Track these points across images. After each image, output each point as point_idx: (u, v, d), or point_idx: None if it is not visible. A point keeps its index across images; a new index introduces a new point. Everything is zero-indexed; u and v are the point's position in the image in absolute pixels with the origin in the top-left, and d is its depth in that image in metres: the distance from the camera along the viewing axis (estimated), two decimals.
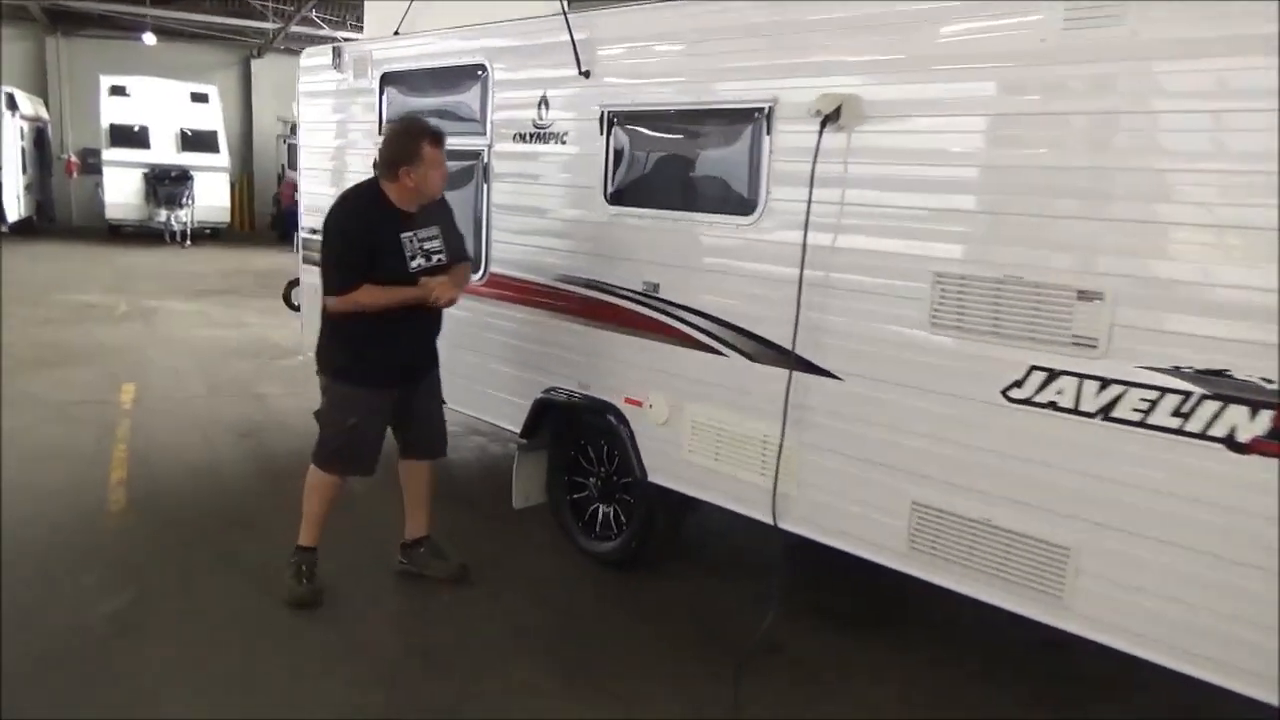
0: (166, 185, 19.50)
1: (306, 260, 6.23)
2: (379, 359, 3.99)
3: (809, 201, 3.31)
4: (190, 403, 7.39)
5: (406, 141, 3.79)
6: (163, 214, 19.52)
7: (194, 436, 6.47)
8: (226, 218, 20.99)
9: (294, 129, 22.21)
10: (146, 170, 19.50)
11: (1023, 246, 2.86)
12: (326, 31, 20.84)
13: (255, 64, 24.70)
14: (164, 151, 19.80)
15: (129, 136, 19.55)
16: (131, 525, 4.91)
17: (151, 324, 10.74)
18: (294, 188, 21.76)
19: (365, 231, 3.84)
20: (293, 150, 22.00)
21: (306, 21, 20.01)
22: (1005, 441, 2.97)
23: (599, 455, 4.51)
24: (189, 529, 4.87)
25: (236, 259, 17.96)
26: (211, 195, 20.24)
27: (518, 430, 4.72)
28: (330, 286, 3.82)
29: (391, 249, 3.91)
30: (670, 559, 4.57)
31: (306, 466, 4.13)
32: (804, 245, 3.35)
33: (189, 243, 19.60)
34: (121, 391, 7.58)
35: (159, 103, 20.00)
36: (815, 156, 3.28)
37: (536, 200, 4.51)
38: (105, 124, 19.62)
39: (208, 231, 20.58)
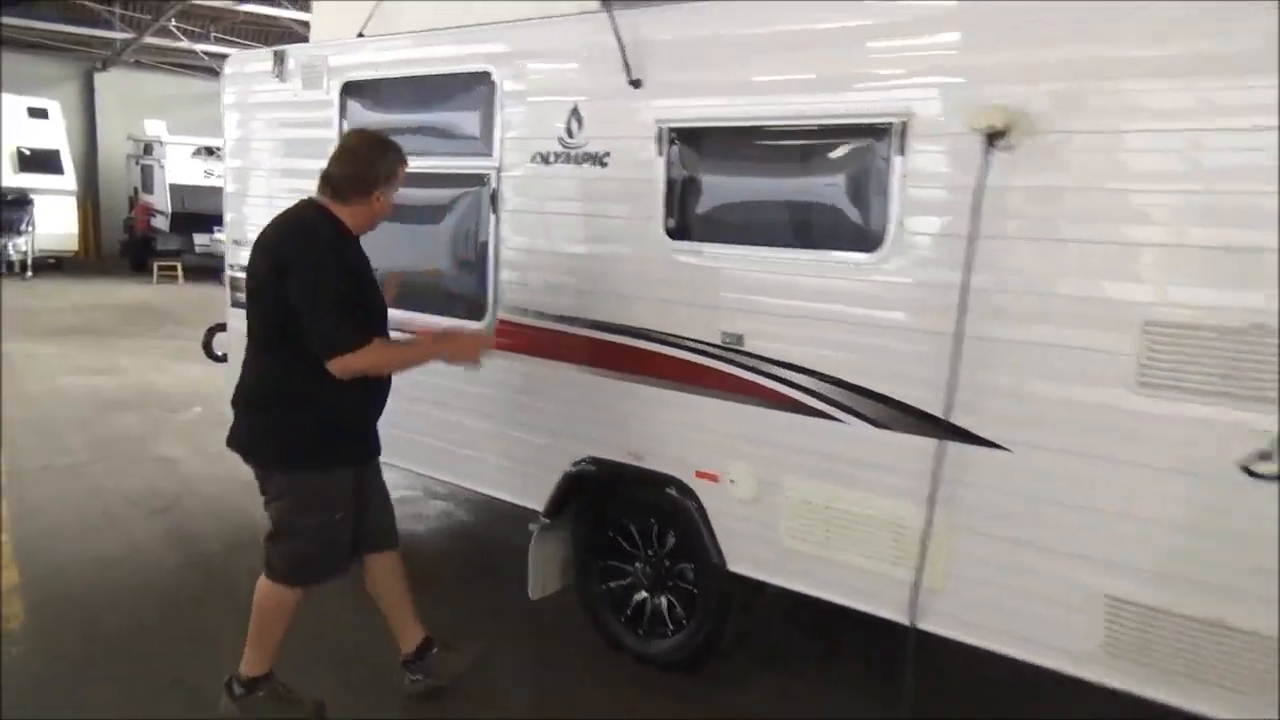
0: (2, 211, 17.36)
1: (235, 304, 5.23)
2: (353, 430, 3.24)
3: (971, 236, 2.72)
4: (78, 471, 6.18)
5: (386, 157, 3.16)
6: None
7: (93, 516, 5.34)
8: (74, 245, 18.96)
9: (148, 148, 20.42)
10: None
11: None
12: (185, 44, 19.19)
13: (100, 77, 22.57)
14: None
15: None
16: (42, 647, 3.84)
17: (4, 372, 9.23)
18: (148, 212, 20.13)
19: (350, 269, 3.09)
20: (147, 172, 20.21)
21: (163, 32, 18.30)
22: (1246, 524, 2.45)
23: (648, 537, 3.78)
24: (118, 647, 3.85)
25: (90, 292, 16.13)
26: (55, 221, 18.20)
27: (538, 507, 3.95)
28: (338, 342, 2.97)
29: (372, 288, 3.22)
30: (737, 655, 3.88)
31: (239, 548, 3.32)
32: (964, 288, 2.76)
33: (30, 274, 17.51)
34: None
35: None
36: (981, 181, 2.70)
37: (565, 234, 3.76)
38: None
39: (51, 261, 18.51)
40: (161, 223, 19.30)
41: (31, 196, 17.61)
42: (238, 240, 5.21)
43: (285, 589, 3.22)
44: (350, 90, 4.49)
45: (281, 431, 3.10)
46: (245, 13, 18.25)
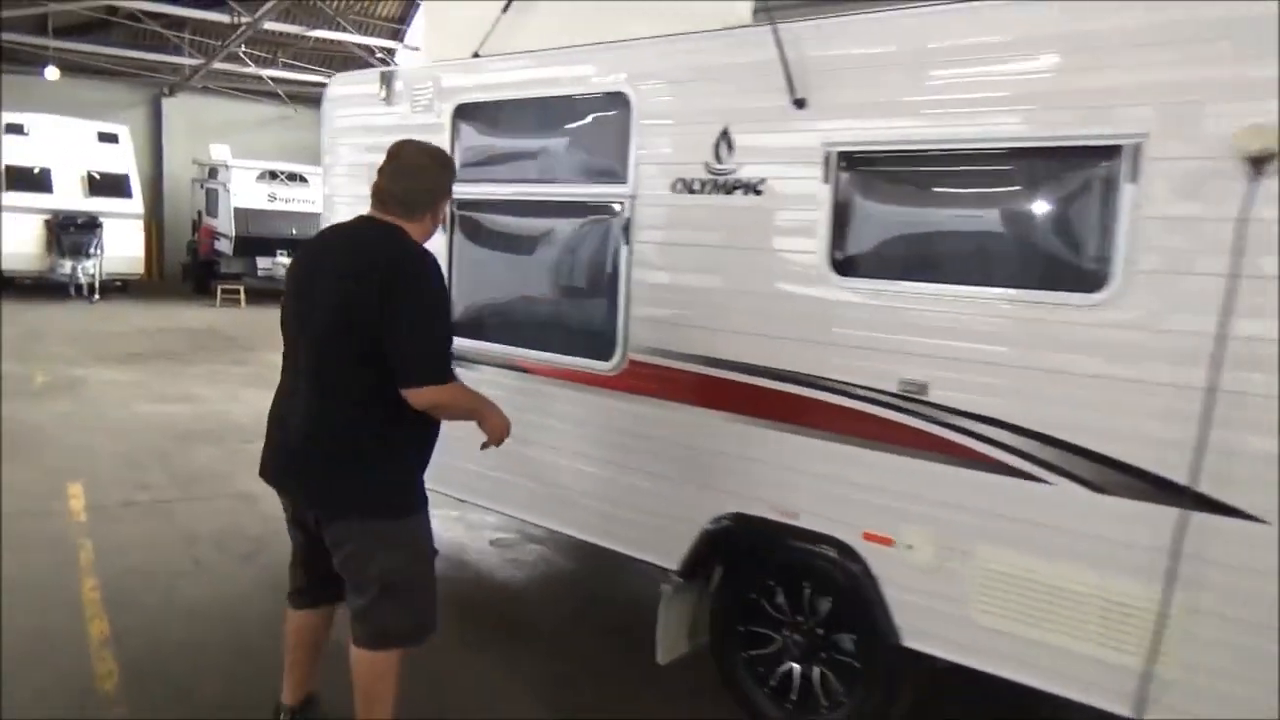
0: (71, 233, 17.57)
1: None
2: (426, 465, 3.03)
3: (1232, 275, 2.35)
4: (160, 508, 5.96)
5: (448, 170, 2.98)
6: (67, 265, 17.56)
7: (180, 559, 5.09)
8: (140, 268, 19.12)
9: (213, 172, 20.61)
10: (48, 216, 17.53)
11: None
12: (253, 70, 19.37)
13: (167, 102, 22.94)
14: (68, 196, 17.87)
15: (27, 179, 17.55)
16: (138, 712, 3.57)
17: (81, 399, 9.12)
18: (212, 235, 20.27)
19: None
20: (211, 195, 20.39)
21: (231, 58, 18.48)
22: None
23: (798, 602, 3.42)
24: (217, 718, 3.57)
25: (157, 315, 16.19)
26: (122, 244, 18.36)
27: (668, 565, 3.61)
28: (437, 372, 2.75)
29: None
30: None
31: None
32: (1221, 336, 2.38)
33: (97, 296, 17.67)
34: (69, 495, 6.10)
35: (62, 143, 18.07)
36: (1245, 213, 2.32)
37: (709, 267, 3.44)
38: None
39: (117, 284, 18.68)
40: (225, 246, 19.42)
41: (100, 220, 17.78)
42: None
43: (394, 653, 2.90)
44: (464, 113, 4.23)
45: (382, 477, 2.79)
46: (315, 39, 18.39)
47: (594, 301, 3.85)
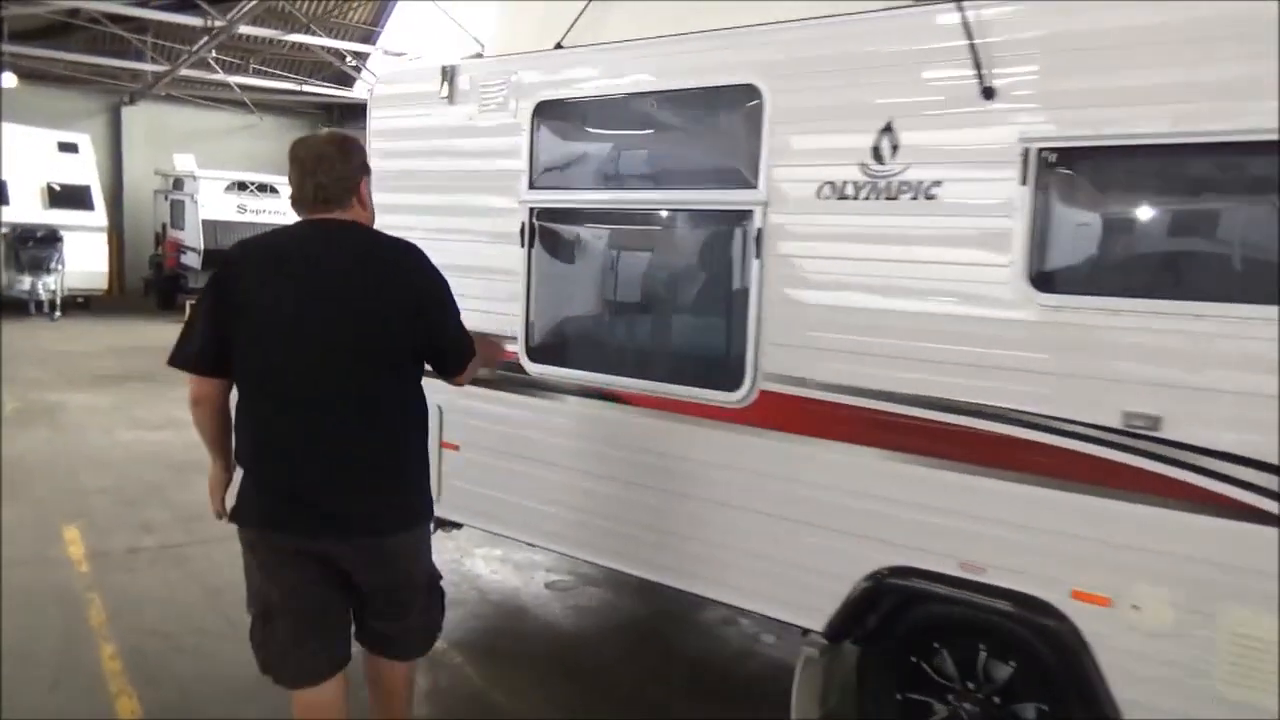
0: (31, 248, 16.67)
1: None
2: None
3: None
4: (170, 554, 5.36)
5: (357, 152, 2.73)
6: (26, 281, 16.65)
7: (205, 615, 4.52)
8: (103, 284, 18.23)
9: (178, 183, 19.76)
10: (6, 230, 16.62)
11: None
12: (221, 76, 18.61)
13: (127, 111, 22.04)
14: (27, 208, 16.96)
15: None
16: None
17: (60, 426, 8.44)
18: (178, 248, 19.42)
19: None
20: (177, 207, 19.53)
21: (200, 64, 17.70)
22: None
23: (973, 667, 2.98)
24: None
25: (124, 333, 15.40)
26: (85, 258, 17.46)
27: (814, 626, 3.16)
28: (471, 343, 2.86)
29: None
30: None
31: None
32: None
33: (58, 314, 16.77)
34: (66, 540, 5.48)
35: (20, 153, 17.13)
36: None
37: (866, 284, 2.99)
38: None
39: (79, 300, 17.77)
40: (193, 260, 18.62)
41: (61, 234, 16.90)
42: None
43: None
44: (546, 112, 3.75)
45: (423, 482, 2.76)
46: (285, 44, 17.71)
47: (713, 323, 3.40)
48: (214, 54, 16.88)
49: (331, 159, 2.61)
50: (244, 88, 20.22)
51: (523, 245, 3.82)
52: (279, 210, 19.07)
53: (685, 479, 3.44)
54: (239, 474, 2.67)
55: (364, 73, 20.68)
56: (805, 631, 3.24)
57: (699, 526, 3.42)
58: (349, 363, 2.51)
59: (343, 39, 18.64)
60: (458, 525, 4.48)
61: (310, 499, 2.51)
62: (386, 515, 2.61)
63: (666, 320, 3.58)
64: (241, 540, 2.63)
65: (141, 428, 8.51)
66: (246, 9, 13.53)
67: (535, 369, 3.83)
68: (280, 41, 16.91)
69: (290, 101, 22.86)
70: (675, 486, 3.47)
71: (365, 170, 2.71)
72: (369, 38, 20.08)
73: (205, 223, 18.19)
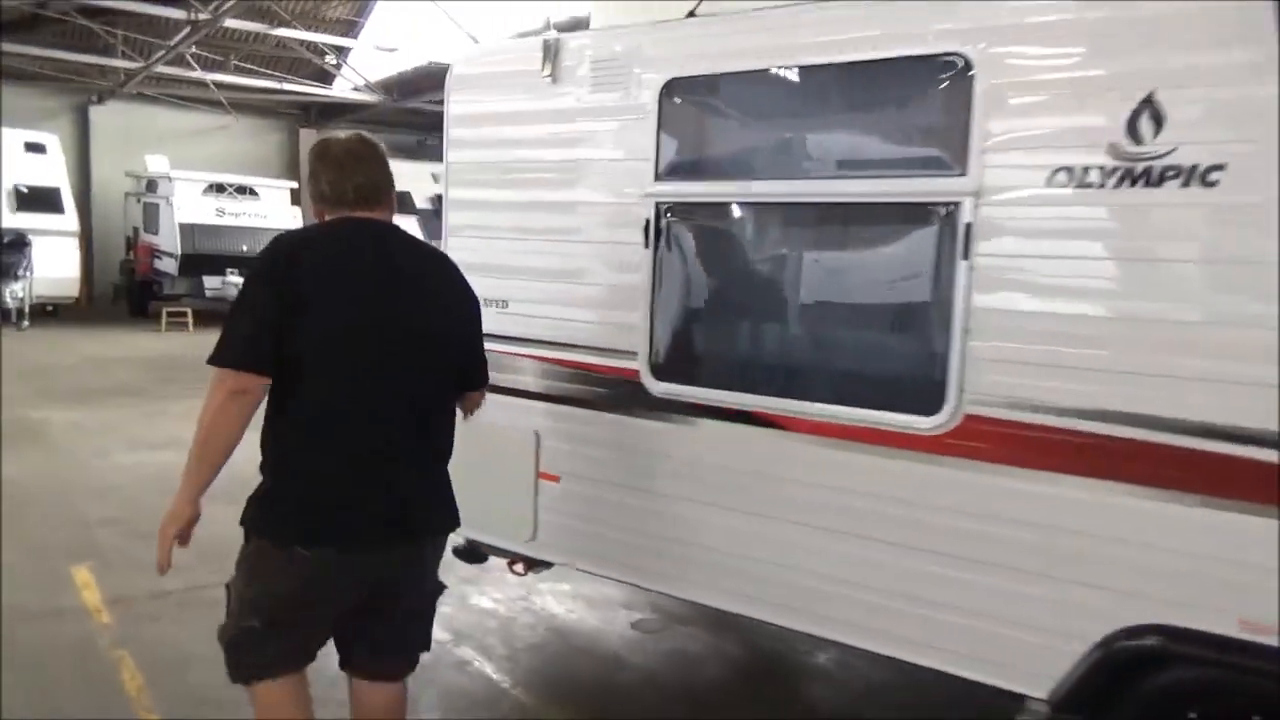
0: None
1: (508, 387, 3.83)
2: None
3: None
4: (199, 598, 4.70)
5: (385, 154, 2.62)
6: None
7: None
8: (74, 290, 17.42)
9: (151, 185, 18.90)
10: None
11: None
12: (198, 74, 17.80)
13: (95, 111, 21.12)
14: None
15: None
16: None
17: (49, 448, 7.73)
18: (151, 253, 18.57)
19: None
20: (151, 210, 18.68)
21: (176, 61, 16.90)
22: None
23: None
24: None
25: (101, 343, 14.60)
26: (54, 264, 16.61)
27: (1037, 693, 2.65)
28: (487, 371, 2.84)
29: None
30: None
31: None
32: None
33: (26, 323, 15.89)
34: (78, 584, 4.84)
35: None
36: None
37: (1118, 289, 2.49)
38: None
39: (48, 309, 16.90)
40: (168, 265, 17.84)
41: (29, 238, 16.01)
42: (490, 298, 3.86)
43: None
44: (677, 91, 3.21)
45: (452, 491, 2.69)
46: (264, 40, 17.00)
47: (900, 335, 2.89)
48: (192, 49, 16.08)
49: (369, 160, 2.54)
50: (220, 86, 19.44)
51: (646, 245, 3.28)
52: (260, 214, 18.38)
53: (859, 518, 2.92)
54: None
55: (344, 69, 20.00)
56: (1016, 697, 2.74)
57: (875, 573, 2.90)
58: (421, 367, 2.46)
59: (324, 33, 17.94)
60: (546, 564, 3.94)
61: (379, 512, 2.42)
62: (436, 522, 2.60)
63: (837, 332, 3.07)
64: (276, 558, 2.38)
65: (141, 448, 7.83)
66: (231, 3, 12.81)
67: (660, 387, 3.30)
68: (261, 37, 16.23)
69: (266, 101, 22.07)
70: (846, 526, 2.95)
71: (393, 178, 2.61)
72: (350, 31, 19.39)
73: (182, 226, 17.45)
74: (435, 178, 21.99)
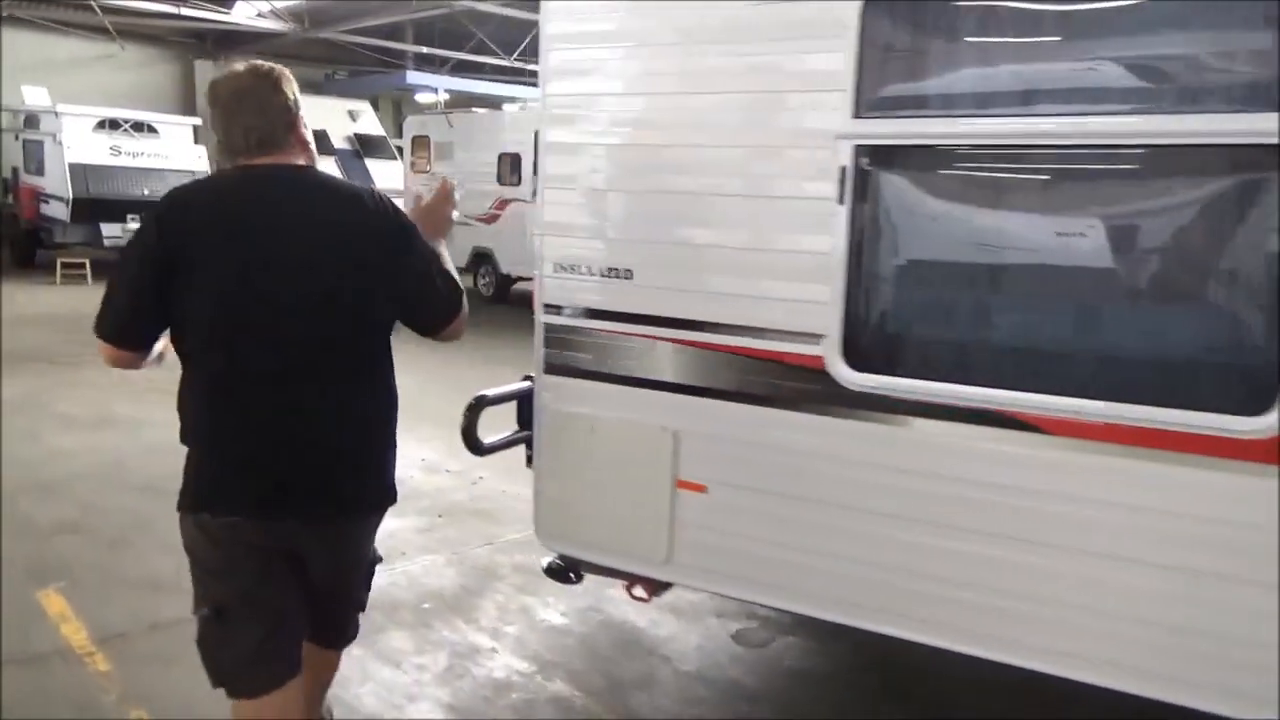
0: None
1: (556, 364, 3.17)
2: None
3: None
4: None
5: (286, 82, 2.35)
6: None
7: None
8: None
9: (31, 120, 16.93)
10: None
11: None
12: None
13: None
14: None
15: None
16: None
17: None
18: (36, 197, 16.72)
19: None
20: (33, 149, 16.76)
21: None
22: None
23: None
24: None
25: None
26: None
27: None
28: (449, 304, 2.44)
29: None
30: None
31: None
32: None
33: None
34: (51, 616, 3.95)
35: None
36: None
37: None
38: None
39: None
40: (58, 210, 16.09)
41: None
42: (560, 259, 3.13)
43: None
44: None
45: (387, 465, 2.48)
46: None
47: (1212, 316, 2.31)
48: None
49: (259, 95, 2.31)
50: (105, 9, 17.50)
51: (841, 200, 2.60)
52: (160, 153, 16.79)
53: (1154, 542, 2.37)
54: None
55: None
56: None
57: (1177, 610, 2.37)
58: (322, 326, 2.28)
59: None
60: (665, 585, 3.31)
61: (283, 478, 2.29)
62: (361, 496, 2.43)
63: (1118, 311, 2.46)
64: (189, 529, 2.30)
65: (76, 429, 6.78)
66: None
67: (858, 379, 2.66)
68: None
69: (157, 28, 20.09)
70: (1137, 553, 2.39)
71: (298, 109, 2.35)
72: None
73: (73, 167, 15.73)
74: (353, 115, 20.71)
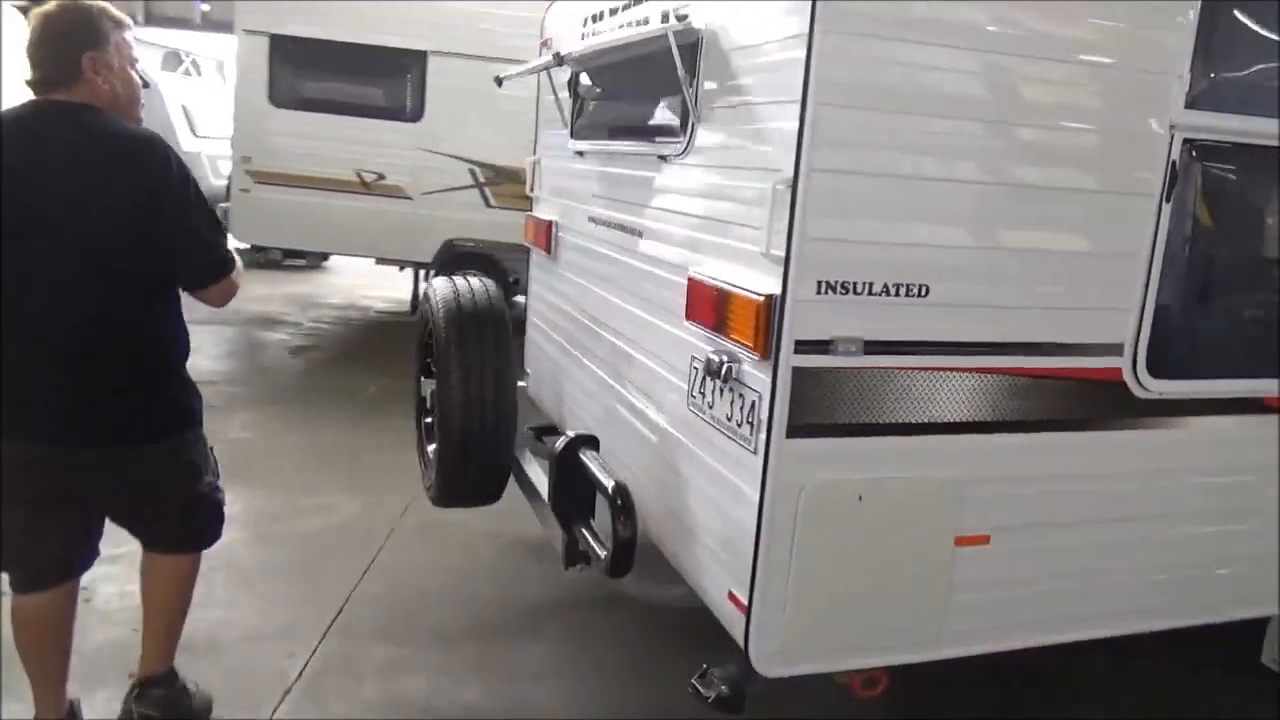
0: None
1: (809, 424, 2.28)
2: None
3: None
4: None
5: (82, 11, 2.46)
6: None
7: None
8: None
9: None
10: None
11: None
12: None
13: None
14: None
15: None
16: None
17: None
18: None
19: None
20: None
21: None
22: None
23: None
24: None
25: None
26: None
27: None
28: (231, 259, 2.61)
29: None
30: None
31: None
32: None
33: None
34: None
35: None
36: None
37: None
38: None
39: None
40: None
41: None
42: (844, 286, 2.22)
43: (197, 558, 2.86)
44: None
45: (176, 388, 2.65)
46: None
47: None
48: None
49: (38, 28, 2.40)
50: None
51: (1166, 199, 2.39)
52: None
53: None
54: None
55: None
56: None
57: None
58: (75, 269, 2.36)
59: None
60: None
61: (52, 404, 2.44)
62: (128, 426, 2.52)
63: None
64: None
65: None
66: None
67: (1158, 386, 2.52)
68: None
69: None
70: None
71: (86, 41, 2.38)
72: None
73: None
74: None
